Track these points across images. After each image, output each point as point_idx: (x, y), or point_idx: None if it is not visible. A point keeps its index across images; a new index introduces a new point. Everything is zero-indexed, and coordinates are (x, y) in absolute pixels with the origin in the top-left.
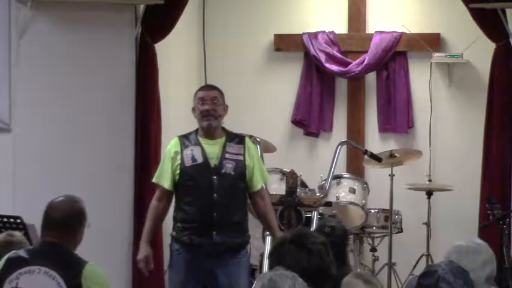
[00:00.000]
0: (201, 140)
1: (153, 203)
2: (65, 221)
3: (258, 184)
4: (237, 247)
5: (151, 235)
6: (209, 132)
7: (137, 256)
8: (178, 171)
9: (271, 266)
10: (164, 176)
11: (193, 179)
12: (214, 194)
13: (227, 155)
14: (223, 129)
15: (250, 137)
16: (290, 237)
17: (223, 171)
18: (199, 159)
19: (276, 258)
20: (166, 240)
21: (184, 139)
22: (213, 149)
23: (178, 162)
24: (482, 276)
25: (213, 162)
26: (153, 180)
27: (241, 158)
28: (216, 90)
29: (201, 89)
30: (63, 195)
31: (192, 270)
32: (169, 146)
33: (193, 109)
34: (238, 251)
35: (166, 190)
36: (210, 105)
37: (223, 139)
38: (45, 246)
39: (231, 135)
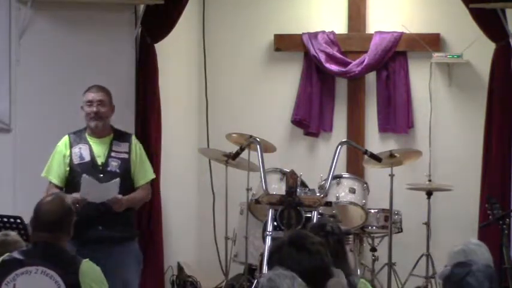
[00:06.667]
0: (89, 138)
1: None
2: (57, 221)
3: (139, 181)
4: (122, 239)
5: None
6: (96, 132)
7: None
8: (67, 168)
9: (270, 269)
10: (52, 172)
11: (80, 176)
12: None
13: (113, 154)
14: (112, 127)
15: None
16: (288, 239)
17: (108, 169)
18: (87, 158)
19: (276, 261)
20: (167, 240)
21: (74, 137)
22: (100, 147)
23: (68, 159)
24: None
25: (100, 160)
26: (43, 174)
27: (126, 156)
28: (103, 93)
29: (89, 90)
30: (48, 195)
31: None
32: (59, 143)
33: (82, 108)
34: (123, 242)
35: (54, 185)
36: (97, 107)
37: (110, 137)
38: (39, 246)
39: (118, 133)
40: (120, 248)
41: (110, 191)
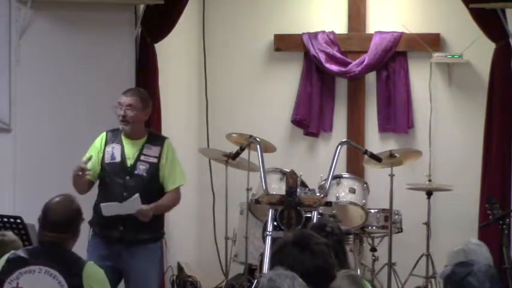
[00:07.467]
0: (123, 138)
1: None
2: (65, 222)
3: (169, 186)
4: (145, 241)
5: None
6: (127, 133)
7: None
8: (99, 166)
9: (272, 268)
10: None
11: (109, 176)
12: (125, 193)
13: (142, 157)
14: (147, 130)
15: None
16: (292, 238)
17: (136, 172)
18: (117, 158)
19: (279, 260)
20: (167, 239)
21: (111, 135)
22: (131, 149)
23: (101, 156)
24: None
25: (129, 162)
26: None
27: (155, 160)
28: (135, 97)
29: (124, 92)
30: (58, 195)
31: (103, 253)
32: (97, 139)
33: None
34: (146, 243)
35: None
36: (124, 111)
37: (143, 140)
38: (44, 246)
39: (152, 136)
40: (143, 248)
41: (133, 206)
